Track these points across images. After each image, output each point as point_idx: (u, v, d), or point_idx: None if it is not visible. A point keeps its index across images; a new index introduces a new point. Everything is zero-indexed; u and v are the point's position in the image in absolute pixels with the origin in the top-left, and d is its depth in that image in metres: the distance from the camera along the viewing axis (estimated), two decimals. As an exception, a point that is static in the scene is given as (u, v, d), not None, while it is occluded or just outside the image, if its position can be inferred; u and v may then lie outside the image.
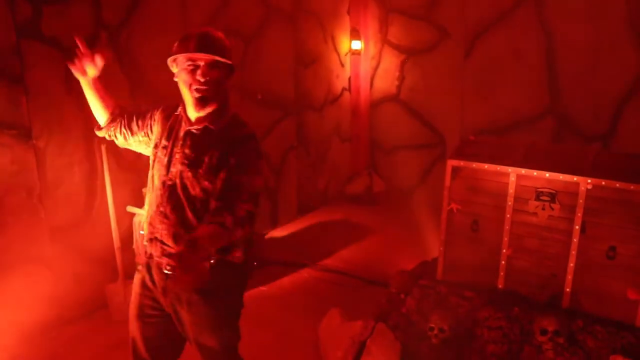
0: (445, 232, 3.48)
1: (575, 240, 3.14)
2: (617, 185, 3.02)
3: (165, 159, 2.19)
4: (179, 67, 2.13)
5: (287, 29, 5.59)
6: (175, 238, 2.14)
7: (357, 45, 6.48)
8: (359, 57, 6.57)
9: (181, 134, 2.19)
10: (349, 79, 6.66)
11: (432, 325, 3.21)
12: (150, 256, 2.24)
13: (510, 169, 3.23)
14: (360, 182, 6.58)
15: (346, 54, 6.56)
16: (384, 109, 6.58)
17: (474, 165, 3.33)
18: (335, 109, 6.49)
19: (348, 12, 6.50)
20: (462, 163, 3.36)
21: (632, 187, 2.99)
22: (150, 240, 2.21)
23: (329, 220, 5.93)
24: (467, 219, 3.41)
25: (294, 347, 3.55)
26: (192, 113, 2.19)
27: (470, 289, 3.43)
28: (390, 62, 6.47)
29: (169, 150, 2.20)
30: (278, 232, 5.54)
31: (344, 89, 6.62)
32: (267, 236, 5.32)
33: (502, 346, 3.22)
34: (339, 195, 6.65)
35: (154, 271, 2.25)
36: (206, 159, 2.12)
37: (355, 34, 6.48)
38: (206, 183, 2.12)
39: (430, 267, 3.78)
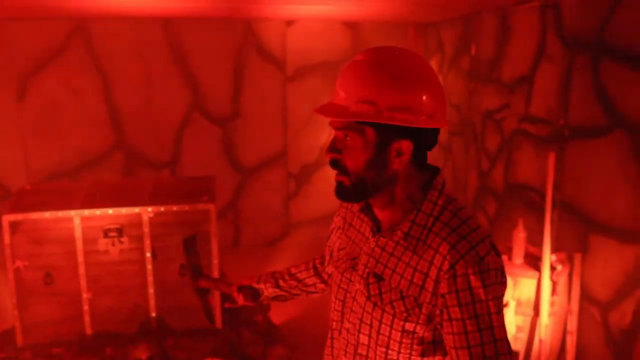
0: (16, 294, 3.19)
1: (149, 267, 3.32)
2: (175, 208, 3.33)
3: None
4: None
5: None
6: None
7: None
8: None
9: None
10: None
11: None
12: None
13: (73, 213, 3.18)
14: None
15: None
16: None
17: (34, 216, 3.15)
18: None
19: None
20: (19, 216, 3.14)
21: (187, 207, 3.34)
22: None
23: None
24: (38, 273, 3.21)
25: None
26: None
27: (58, 345, 3.25)
28: None
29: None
30: None
31: None
32: None
33: (103, 391, 3.16)
34: None
35: None
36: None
37: None
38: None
39: (9, 336, 3.40)
